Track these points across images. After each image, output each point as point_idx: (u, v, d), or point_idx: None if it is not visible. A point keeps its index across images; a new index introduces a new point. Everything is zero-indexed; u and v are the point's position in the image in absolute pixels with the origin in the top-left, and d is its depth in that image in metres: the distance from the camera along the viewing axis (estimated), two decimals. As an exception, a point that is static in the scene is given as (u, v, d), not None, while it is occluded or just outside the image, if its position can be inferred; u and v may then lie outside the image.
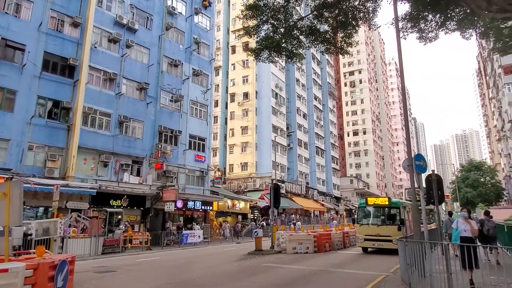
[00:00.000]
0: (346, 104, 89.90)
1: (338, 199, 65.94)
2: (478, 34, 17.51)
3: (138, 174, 26.09)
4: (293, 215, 44.38)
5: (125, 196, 24.17)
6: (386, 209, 18.02)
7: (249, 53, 16.47)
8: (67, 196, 20.81)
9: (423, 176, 12.26)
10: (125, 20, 26.33)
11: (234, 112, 49.22)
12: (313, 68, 62.66)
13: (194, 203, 29.35)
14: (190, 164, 29.98)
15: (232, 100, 49.75)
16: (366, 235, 17.35)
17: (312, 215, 51.05)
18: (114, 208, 23.06)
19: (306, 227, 31.16)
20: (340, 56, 28.22)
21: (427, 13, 15.32)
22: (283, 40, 16.26)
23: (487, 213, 12.23)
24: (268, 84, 48.63)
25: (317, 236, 18.52)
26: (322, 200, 57.37)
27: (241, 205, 37.88)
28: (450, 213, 17.11)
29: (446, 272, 5.93)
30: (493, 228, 11.47)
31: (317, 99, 63.37)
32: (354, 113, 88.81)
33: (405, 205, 18.24)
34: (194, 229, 27.47)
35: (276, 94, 49.87)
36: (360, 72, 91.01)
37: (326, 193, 60.99)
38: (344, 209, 61.94)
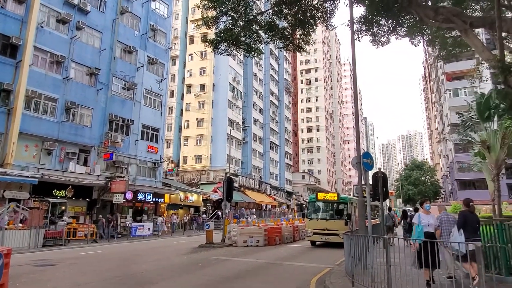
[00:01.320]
0: (302, 101, 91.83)
1: (290, 194, 67.36)
2: (425, 42, 18.59)
3: (85, 163, 24.87)
4: (244, 209, 44.78)
5: (70, 186, 22.96)
6: (335, 204, 18.70)
7: (207, 44, 16.24)
8: (5, 185, 19.41)
9: (370, 173, 12.83)
10: (76, 0, 24.82)
11: (190, 103, 48.40)
12: (271, 64, 63.16)
13: (145, 195, 28.58)
14: (142, 155, 29.10)
15: (189, 92, 48.88)
16: (314, 229, 17.81)
17: (264, 209, 51.74)
18: (58, 198, 21.84)
19: (257, 221, 31.55)
20: (298, 53, 28.75)
21: (380, 18, 15.99)
22: (242, 34, 16.21)
23: (416, 210, 13.25)
24: (225, 77, 48.33)
25: (268, 230, 18.82)
26: (275, 195, 58.33)
27: (193, 198, 37.48)
28: (389, 209, 18.48)
29: (386, 264, 6.28)
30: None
31: (274, 94, 64.06)
32: (309, 110, 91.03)
33: (352, 200, 18.92)
34: (158, 222, 27.06)
35: (233, 87, 49.72)
36: (316, 71, 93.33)
37: (278, 187, 62.07)
38: (295, 204, 63.43)
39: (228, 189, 20.40)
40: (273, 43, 19.11)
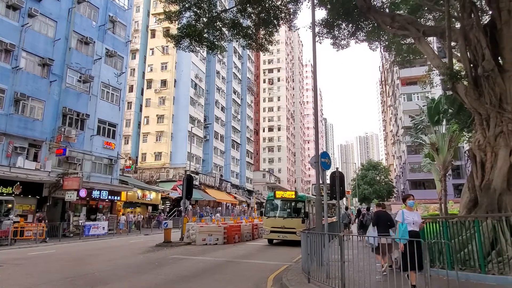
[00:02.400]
0: (264, 100, 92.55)
1: (250, 192, 67.69)
2: (382, 47, 19.40)
3: (35, 159, 23.51)
4: (209, 207, 44.48)
5: (18, 183, 21.61)
6: (293, 202, 18.67)
7: (169, 39, 15.94)
8: None
9: (329, 172, 13.16)
10: (28, -15, 23.37)
11: (150, 99, 47.20)
12: (234, 62, 63.06)
13: (100, 193, 27.51)
14: (98, 151, 27.98)
15: (149, 87, 47.64)
16: (272, 227, 17.71)
17: (224, 207, 51.62)
18: (4, 196, 20.47)
19: (218, 219, 31.41)
20: (261, 53, 28.88)
21: (341, 22, 16.47)
22: (205, 30, 16.07)
23: (367, 209, 14.00)
24: (187, 73, 47.60)
25: (227, 228, 18.79)
26: (235, 193, 58.37)
27: (152, 196, 36.61)
28: (346, 208, 19.18)
29: (340, 260, 6.48)
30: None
31: (236, 93, 64.02)
32: (271, 109, 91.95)
33: (309, 199, 19.09)
34: (121, 220, 26.05)
35: (196, 84, 49.10)
36: (278, 71, 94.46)
37: (239, 186, 62.17)
38: (255, 202, 63.84)
39: (187, 187, 20.12)
40: (237, 41, 19.10)
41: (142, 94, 47.86)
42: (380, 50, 18.76)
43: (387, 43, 18.73)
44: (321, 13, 19.54)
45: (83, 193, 24.02)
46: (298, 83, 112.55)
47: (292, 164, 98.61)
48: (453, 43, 12.18)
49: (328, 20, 16.25)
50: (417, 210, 7.08)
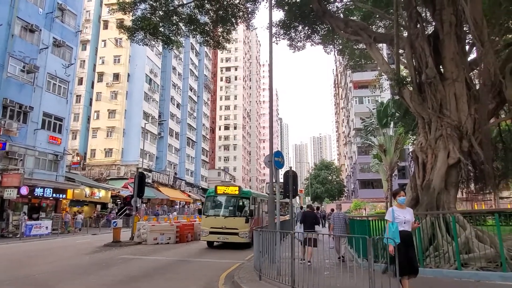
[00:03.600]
0: (220, 99, 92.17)
1: (205, 190, 67.10)
2: (336, 50, 20.06)
3: (-31, 153, 21.63)
4: (166, 206, 43.47)
5: (-51, 179, 19.79)
6: (236, 199, 16.33)
7: (123, 31, 15.39)
8: None
9: (282, 171, 13.38)
10: (-36, -36, 21.42)
11: (101, 93, 45.16)
12: (191, 58, 62.11)
13: (44, 190, 25.88)
14: (42, 146, 26.30)
15: (100, 80, 45.56)
16: (211, 228, 15.55)
17: (178, 206, 50.74)
18: None
19: (170, 217, 30.80)
20: (219, 50, 28.71)
21: (297, 24, 16.80)
22: (161, 24, 15.70)
23: (332, 210, 14.56)
24: (142, 68, 46.15)
25: (180, 227, 18.49)
26: (189, 191, 57.58)
27: (101, 194, 35.09)
28: (301, 207, 19.45)
29: (291, 257, 6.63)
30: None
31: (193, 90, 63.14)
32: (227, 108, 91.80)
33: (256, 195, 17.52)
34: (66, 219, 24.34)
35: (150, 79, 47.75)
36: (236, 69, 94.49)
37: (193, 184, 61.42)
38: (210, 201, 63.36)
39: (139, 185, 19.53)
40: (194, 37, 18.86)
41: (92, 87, 45.67)
42: (334, 54, 19.36)
43: (341, 47, 19.41)
44: (279, 15, 19.79)
45: (24, 191, 22.47)
46: (255, 82, 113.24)
47: (248, 163, 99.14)
48: (401, 51, 12.87)
49: (285, 21, 16.52)
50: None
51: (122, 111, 44.30)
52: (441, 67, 10.90)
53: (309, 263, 8.48)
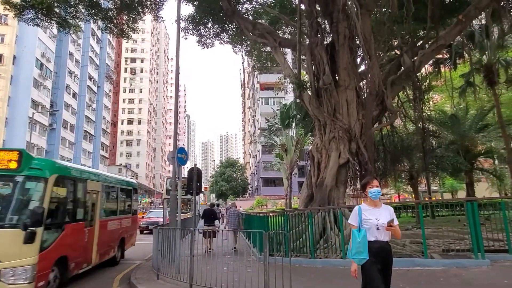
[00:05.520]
0: (124, 91, 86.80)
1: (103, 188, 62.66)
2: (244, 51, 20.54)
3: None
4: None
5: None
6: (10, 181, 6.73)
7: (9, 7, 13.47)
8: None
9: (186, 168, 13.17)
10: None
11: (-23, 75, 38.94)
12: (91, 45, 57.30)
13: None
14: None
15: (-23, 60, 39.26)
16: None
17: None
18: None
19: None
20: (124, 40, 27.02)
21: (207, 21, 16.75)
22: (57, 4, 14.17)
23: (212, 205, 15.81)
24: (32, 50, 41.06)
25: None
26: (85, 189, 53.17)
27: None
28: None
29: (190, 254, 6.59)
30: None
31: (92, 79, 58.34)
32: (131, 101, 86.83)
33: (75, 173, 8.20)
34: None
35: (42, 64, 42.77)
36: (142, 61, 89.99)
37: (90, 181, 56.90)
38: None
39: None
40: (95, 22, 17.42)
41: (-34, 67, 39.13)
42: (242, 54, 19.80)
43: (249, 48, 19.93)
44: (189, 9, 19.46)
45: None
46: (162, 76, 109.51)
47: (152, 159, 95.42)
48: (303, 57, 13.76)
49: (195, 17, 16.34)
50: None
51: (5, 98, 38.84)
52: (336, 75, 11.95)
53: (211, 250, 11.06)
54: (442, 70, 18.27)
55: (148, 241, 15.88)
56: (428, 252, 8.29)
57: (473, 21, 14.93)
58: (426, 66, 16.42)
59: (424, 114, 16.21)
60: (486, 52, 17.54)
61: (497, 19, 12.64)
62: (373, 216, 3.79)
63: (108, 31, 16.41)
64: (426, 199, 25.27)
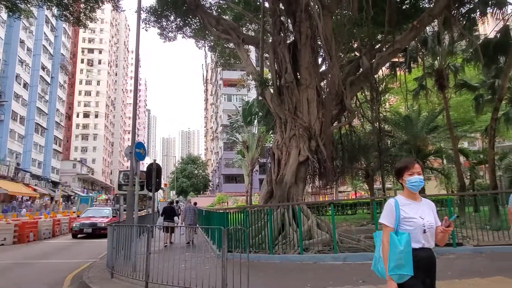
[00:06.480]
0: (80, 83, 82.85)
1: (56, 184, 59.67)
2: (208, 47, 20.29)
3: None
4: (15, 201, 36.69)
5: None
6: None
7: None
8: None
9: (145, 164, 12.85)
10: None
11: None
12: (45, 33, 54.15)
13: None
14: None
15: None
16: None
17: (20, 201, 43.78)
18: None
19: (7, 215, 26.40)
20: (81, 29, 25.71)
21: (169, 13, 16.38)
22: (5, -13, 13.27)
23: (171, 202, 16.28)
24: (-23, 35, 38.16)
25: (20, 226, 15.98)
26: (36, 185, 50.32)
27: None
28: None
29: (146, 252, 6.43)
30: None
31: (46, 69, 55.18)
32: (88, 93, 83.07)
33: None
34: None
35: (-12, 51, 39.89)
36: (100, 52, 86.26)
37: (41, 177, 53.91)
38: (61, 195, 56.69)
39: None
40: (49, 9, 16.47)
41: None
42: (205, 49, 19.55)
43: (212, 43, 19.71)
44: (151, 0, 18.94)
45: None
46: (122, 69, 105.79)
47: (109, 154, 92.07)
48: (266, 55, 13.83)
49: (157, 9, 15.92)
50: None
51: None
52: (298, 73, 12.13)
53: (167, 244, 11.95)
54: (398, 73, 19.10)
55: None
56: (380, 246, 8.65)
57: (427, 28, 15.75)
58: (383, 68, 17.08)
59: (380, 114, 16.88)
60: (438, 58, 18.54)
61: (448, 27, 13.39)
62: (416, 213, 2.74)
63: (63, 19, 15.58)
64: (380, 196, 26.37)
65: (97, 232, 17.07)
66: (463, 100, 24.27)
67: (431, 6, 12.96)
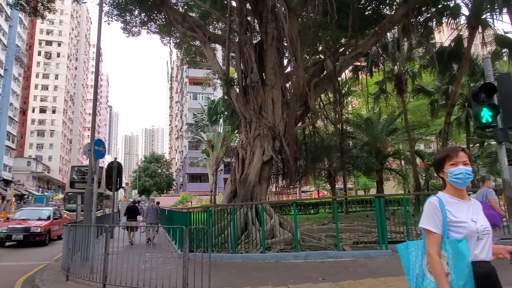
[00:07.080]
0: (37, 76, 78.59)
1: (8, 182, 56.25)
2: (173, 43, 19.94)
3: None
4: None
5: None
6: None
7: None
8: None
9: (106, 162, 12.41)
10: None
11: None
12: (-2, 22, 51.00)
13: None
14: None
15: None
16: None
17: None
18: None
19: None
20: (39, 20, 24.50)
21: (133, 8, 15.95)
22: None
23: (134, 202, 16.22)
24: None
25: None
26: (-15, 183, 47.28)
27: None
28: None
29: (104, 253, 6.24)
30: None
31: (-2, 61, 51.98)
32: (45, 88, 78.94)
33: None
34: None
35: None
36: (59, 45, 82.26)
37: (-8, 174, 50.75)
38: (13, 194, 53.51)
39: None
40: (2, -4, 15.54)
41: None
42: (170, 46, 19.21)
43: (178, 40, 19.37)
44: (114, -7, 18.25)
45: None
46: (82, 63, 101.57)
47: (67, 152, 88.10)
48: (232, 54, 13.80)
49: (120, 2, 15.45)
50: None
51: None
52: (263, 74, 12.21)
53: (132, 241, 12.25)
54: (360, 76, 19.74)
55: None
56: (340, 244, 8.92)
57: (388, 34, 16.39)
58: (346, 71, 17.58)
59: (343, 116, 17.38)
60: (397, 63, 19.35)
61: (407, 34, 14.01)
62: (467, 215, 2.07)
63: (18, 8, 14.74)
64: (342, 195, 27.12)
65: (30, 239, 13.76)
66: (420, 104, 25.51)
67: (392, 13, 13.52)
